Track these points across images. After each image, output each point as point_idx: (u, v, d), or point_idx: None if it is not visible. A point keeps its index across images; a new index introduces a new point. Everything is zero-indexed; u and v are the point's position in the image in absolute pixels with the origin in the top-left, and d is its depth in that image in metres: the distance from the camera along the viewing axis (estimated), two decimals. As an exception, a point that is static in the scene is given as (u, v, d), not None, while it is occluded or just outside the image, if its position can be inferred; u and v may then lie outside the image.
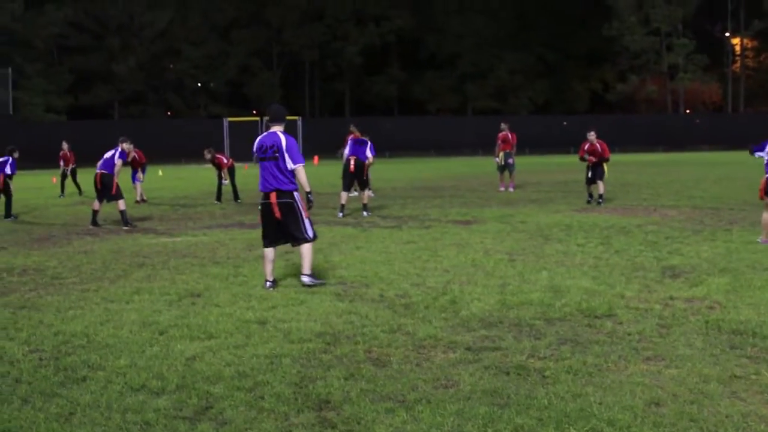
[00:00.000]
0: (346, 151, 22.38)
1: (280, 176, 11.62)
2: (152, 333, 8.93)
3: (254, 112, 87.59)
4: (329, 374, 7.32)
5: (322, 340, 8.50)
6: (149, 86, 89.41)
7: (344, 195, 21.89)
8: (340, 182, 22.69)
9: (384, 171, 45.64)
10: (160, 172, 48.30)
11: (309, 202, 11.95)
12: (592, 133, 23.73)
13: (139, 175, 28.75)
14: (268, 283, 11.63)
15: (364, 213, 21.75)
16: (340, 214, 21.36)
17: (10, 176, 23.51)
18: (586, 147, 23.96)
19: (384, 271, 12.70)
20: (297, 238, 11.76)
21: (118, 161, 20.40)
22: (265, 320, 9.41)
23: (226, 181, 27.53)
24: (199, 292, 11.36)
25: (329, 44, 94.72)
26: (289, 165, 11.60)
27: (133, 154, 27.77)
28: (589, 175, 23.95)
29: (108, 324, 9.39)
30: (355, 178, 22.22)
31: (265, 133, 12.11)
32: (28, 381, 7.33)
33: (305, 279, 11.63)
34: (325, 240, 16.08)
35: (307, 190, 11.85)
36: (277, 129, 11.93)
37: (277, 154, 11.61)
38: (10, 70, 69.32)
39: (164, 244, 16.98)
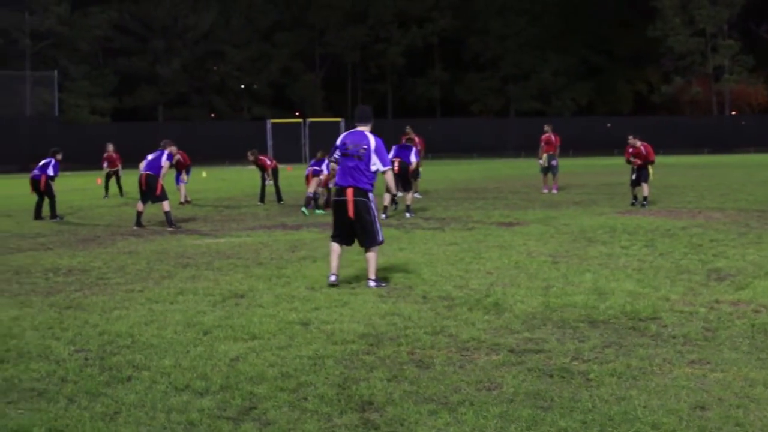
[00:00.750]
0: (390, 154, 22.32)
1: (361, 174, 11.63)
2: (196, 333, 8.98)
3: (297, 113, 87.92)
4: (372, 375, 7.32)
5: (365, 341, 8.51)
6: (193, 88, 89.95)
7: (387, 197, 21.96)
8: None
9: (426, 173, 45.59)
10: (204, 174, 48.56)
11: (394, 204, 11.99)
12: (632, 136, 23.63)
13: (183, 176, 28.91)
14: (332, 276, 11.69)
15: (407, 215, 21.67)
16: (384, 216, 21.42)
17: (52, 178, 23.72)
18: (631, 150, 23.74)
19: (427, 272, 12.69)
20: (367, 240, 11.76)
21: (165, 163, 20.47)
22: (308, 321, 9.43)
23: (270, 182, 27.63)
24: (243, 293, 11.40)
25: (372, 46, 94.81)
26: (377, 167, 11.70)
27: (177, 156, 27.96)
28: (634, 177, 23.78)
29: (152, 324, 9.46)
30: (399, 180, 22.20)
31: (351, 131, 12.16)
32: (73, 380, 7.39)
33: (371, 284, 11.60)
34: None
35: (394, 192, 11.87)
36: (364, 129, 11.98)
37: (362, 152, 11.65)
38: (56, 72, 70.02)
39: (208, 245, 17.08)
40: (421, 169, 27.15)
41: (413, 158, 22.53)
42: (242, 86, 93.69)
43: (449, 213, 22.52)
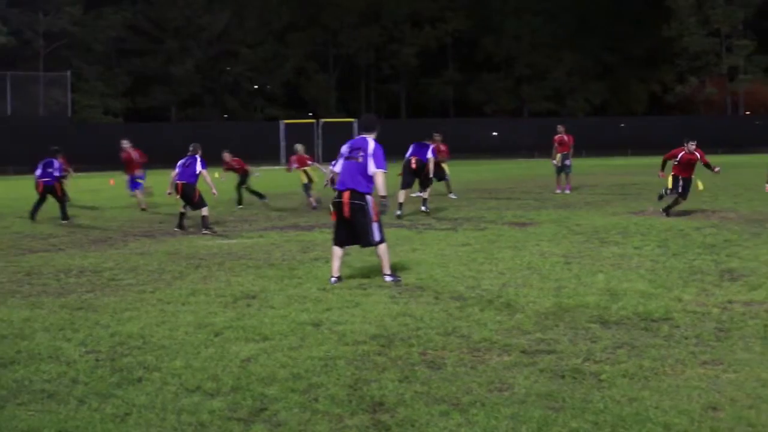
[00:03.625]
0: (408, 152, 23.15)
1: (359, 177, 12.04)
2: (207, 334, 8.99)
3: (310, 114, 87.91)
4: (383, 376, 7.33)
5: (377, 342, 8.51)
6: (206, 89, 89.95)
7: (402, 193, 22.11)
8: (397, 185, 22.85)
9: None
10: (217, 175, 48.51)
11: (383, 207, 12.20)
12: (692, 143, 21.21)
13: (141, 180, 28.24)
14: (333, 278, 12.10)
15: (423, 208, 22.58)
16: (398, 212, 21.51)
17: (59, 179, 23.75)
18: (681, 155, 21.08)
19: (439, 273, 12.70)
20: (363, 240, 12.20)
21: (203, 171, 20.21)
22: (319, 322, 9.44)
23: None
24: (254, 293, 11.42)
25: (385, 46, 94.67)
26: (371, 168, 12.02)
27: (134, 154, 27.89)
28: (680, 190, 20.87)
29: (164, 325, 9.48)
30: (417, 177, 22.92)
31: (355, 138, 12.87)
32: (84, 381, 7.42)
33: (387, 278, 12.03)
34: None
35: (383, 194, 12.03)
36: (368, 136, 12.46)
37: (361, 156, 12.10)
38: (69, 73, 70.14)
39: (220, 246, 17.11)
40: (448, 171, 27.33)
41: (430, 155, 22.77)
42: (255, 87, 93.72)
43: (462, 213, 22.53)
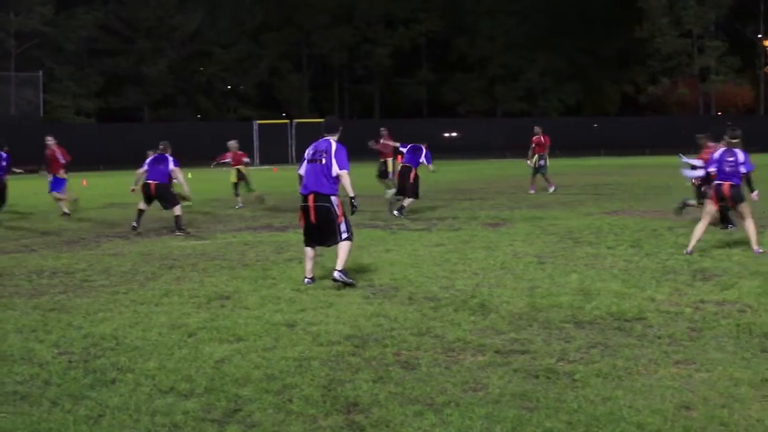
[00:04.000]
0: (404, 158, 23.52)
1: (323, 179, 11.91)
2: (181, 335, 8.97)
3: (284, 114, 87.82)
4: (358, 377, 7.33)
5: (351, 342, 8.52)
6: (179, 89, 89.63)
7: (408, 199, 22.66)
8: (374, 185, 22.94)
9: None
10: (189, 175, 48.36)
11: (353, 207, 12.15)
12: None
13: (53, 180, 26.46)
14: (306, 279, 12.10)
15: (396, 213, 22.09)
16: (397, 213, 22.04)
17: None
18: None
19: (413, 273, 12.71)
20: (331, 240, 12.06)
21: (175, 168, 20.02)
22: (293, 323, 9.43)
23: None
24: (228, 294, 11.40)
25: (359, 46, 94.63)
26: (335, 170, 11.87)
27: (59, 152, 27.19)
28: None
29: (137, 326, 9.44)
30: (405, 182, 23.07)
31: (318, 140, 12.43)
32: (57, 383, 7.38)
33: (336, 274, 11.67)
34: (354, 243, 16.06)
35: (351, 195, 11.99)
36: (331, 138, 12.30)
37: (324, 158, 11.95)
38: (41, 73, 69.78)
39: (193, 246, 17.05)
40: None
41: (423, 160, 23.00)
42: (228, 87, 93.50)
43: (436, 214, 22.56)
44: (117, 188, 29.28)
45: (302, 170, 12.28)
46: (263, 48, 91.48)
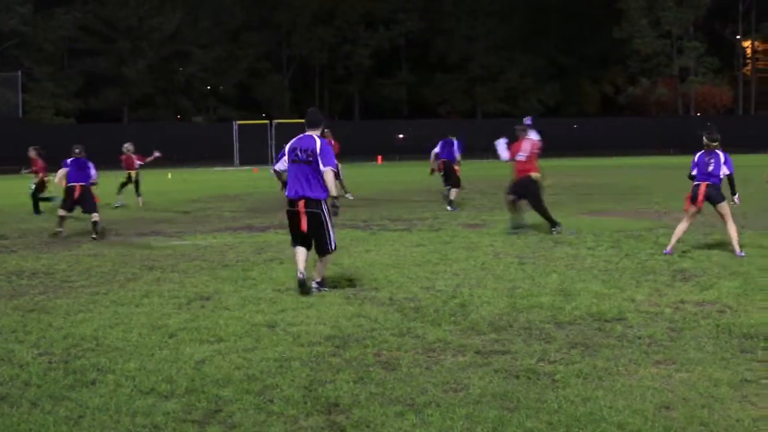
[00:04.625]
0: (436, 149, 25.08)
1: (313, 181, 11.23)
2: (162, 336, 8.95)
3: (263, 114, 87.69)
4: (338, 377, 7.33)
5: (332, 343, 8.52)
6: (158, 89, 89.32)
7: (454, 191, 24.37)
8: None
9: (394, 174, 45.70)
10: (169, 175, 48.36)
11: (335, 208, 11.78)
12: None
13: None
14: (300, 274, 11.34)
15: (449, 208, 23.83)
16: (451, 208, 23.75)
17: None
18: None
19: (393, 274, 12.71)
20: (319, 249, 11.49)
21: (94, 172, 20.03)
22: (274, 323, 9.42)
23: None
24: (209, 295, 11.38)
25: (339, 47, 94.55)
26: (321, 167, 11.18)
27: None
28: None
29: (117, 327, 9.42)
30: (445, 177, 24.98)
31: (299, 136, 11.70)
32: (37, 384, 7.35)
33: (314, 285, 11.42)
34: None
35: (334, 194, 11.63)
36: (314, 133, 11.59)
37: (311, 158, 11.24)
38: (19, 73, 69.50)
39: (173, 247, 17.02)
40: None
41: (457, 154, 24.53)
42: (208, 87, 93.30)
43: (416, 214, 22.58)
44: (99, 188, 29.10)
45: (280, 166, 11.75)
46: (243, 48, 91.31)
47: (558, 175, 42.26)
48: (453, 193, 24.20)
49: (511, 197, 18.13)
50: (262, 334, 8.92)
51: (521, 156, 17.98)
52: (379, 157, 67.38)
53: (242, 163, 67.18)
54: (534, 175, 17.89)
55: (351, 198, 27.55)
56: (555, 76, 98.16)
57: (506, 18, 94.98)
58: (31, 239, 19.00)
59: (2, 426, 6.27)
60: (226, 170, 58.88)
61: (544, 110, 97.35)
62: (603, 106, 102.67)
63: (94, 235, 18.92)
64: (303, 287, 11.23)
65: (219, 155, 67.45)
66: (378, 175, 46.88)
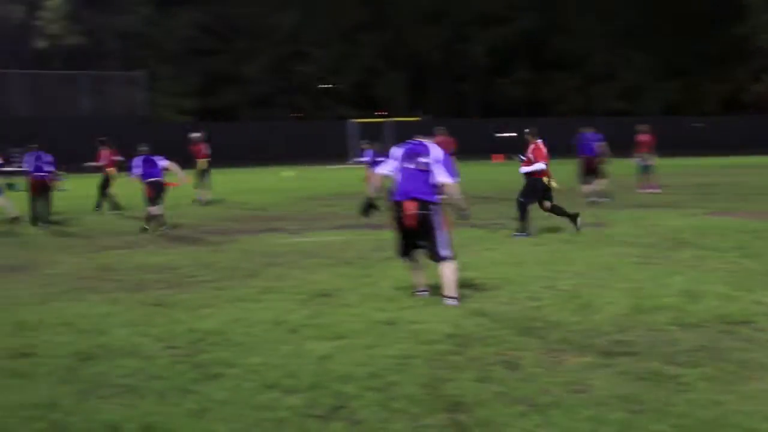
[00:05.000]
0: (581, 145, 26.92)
1: (424, 186, 10.60)
2: (284, 332, 9.03)
3: (380, 113, 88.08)
4: (460, 376, 7.30)
5: (453, 341, 8.49)
6: (276, 88, 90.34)
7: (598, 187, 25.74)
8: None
9: (510, 173, 45.37)
10: (292, 174, 48.97)
11: (463, 216, 11.53)
12: None
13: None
14: (421, 290, 10.92)
15: (600, 199, 25.67)
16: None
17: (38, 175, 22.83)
18: None
19: (513, 273, 12.60)
20: (430, 252, 10.72)
21: (165, 162, 20.89)
22: (394, 321, 9.42)
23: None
24: (329, 292, 11.43)
25: (455, 45, 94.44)
26: (442, 179, 10.63)
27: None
28: None
29: (240, 322, 9.53)
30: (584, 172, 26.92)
31: (414, 141, 11.18)
32: (163, 376, 7.49)
33: (449, 301, 10.40)
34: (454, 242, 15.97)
35: (464, 206, 11.41)
36: (428, 141, 11.17)
37: (427, 165, 10.66)
38: (143, 72, 71.02)
39: (294, 244, 17.18)
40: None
41: (597, 147, 26.46)
42: (325, 86, 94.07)
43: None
44: (219, 186, 29.60)
45: (387, 170, 11.12)
46: (359, 47, 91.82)
47: (679, 174, 41.56)
48: (598, 184, 25.84)
49: (547, 204, 18.20)
50: (383, 332, 8.93)
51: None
52: (500, 156, 66.79)
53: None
54: (545, 179, 18.05)
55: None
56: (674, 74, 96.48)
57: (622, 16, 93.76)
58: (157, 235, 19.35)
59: (132, 416, 6.40)
60: (340, 168, 59.21)
61: (662, 109, 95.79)
62: (725, 105, 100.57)
63: (146, 226, 19.94)
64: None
65: (335, 153, 67.95)
66: (497, 173, 46.54)
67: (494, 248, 15.61)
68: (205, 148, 28.99)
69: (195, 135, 29.16)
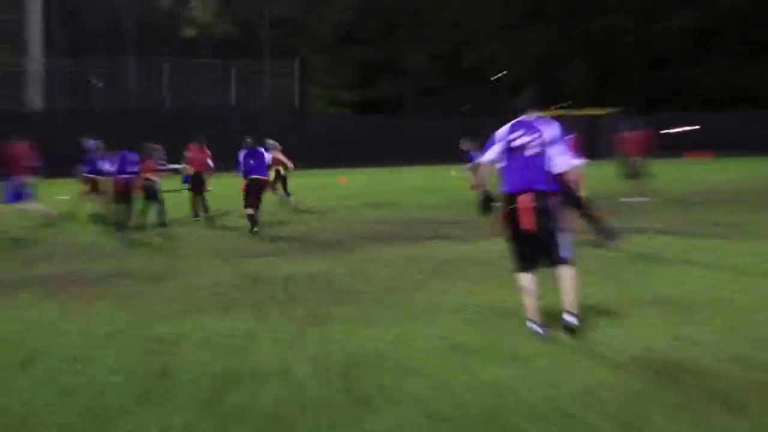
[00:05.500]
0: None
1: (539, 173, 9.68)
2: (452, 354, 8.80)
3: (565, 104, 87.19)
4: (654, 411, 6.94)
5: (644, 368, 8.10)
6: (441, 80, 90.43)
7: None
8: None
9: (703, 172, 44.24)
10: (453, 173, 48.81)
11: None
12: None
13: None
14: (537, 327, 9.66)
15: None
16: None
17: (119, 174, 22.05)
18: None
19: (718, 290, 11.77)
20: (553, 255, 9.73)
21: (270, 156, 21.96)
22: (575, 343, 9.04)
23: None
24: (499, 308, 11.12)
25: (640, 31, 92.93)
26: (562, 162, 9.70)
27: (24, 149, 25.30)
28: None
29: (402, 342, 9.35)
30: None
31: (518, 119, 10.08)
32: (315, 406, 7.37)
33: (569, 319, 9.54)
34: (638, 250, 15.44)
35: (582, 193, 10.59)
36: (537, 115, 10.02)
37: (540, 147, 9.72)
38: (296, 62, 72.03)
39: (459, 251, 16.91)
40: None
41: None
42: (497, 76, 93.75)
43: (741, 217, 21.25)
44: (378, 186, 29.59)
45: (493, 157, 10.06)
46: (532, 34, 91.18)
47: None
48: None
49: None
50: (565, 356, 8.60)
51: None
52: (709, 152, 65.22)
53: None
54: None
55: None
56: None
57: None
58: (306, 242, 19.34)
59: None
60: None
61: None
62: None
63: (255, 228, 20.80)
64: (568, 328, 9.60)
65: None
66: (698, 172, 45.31)
67: (691, 260, 14.84)
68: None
69: (272, 142, 28.58)
